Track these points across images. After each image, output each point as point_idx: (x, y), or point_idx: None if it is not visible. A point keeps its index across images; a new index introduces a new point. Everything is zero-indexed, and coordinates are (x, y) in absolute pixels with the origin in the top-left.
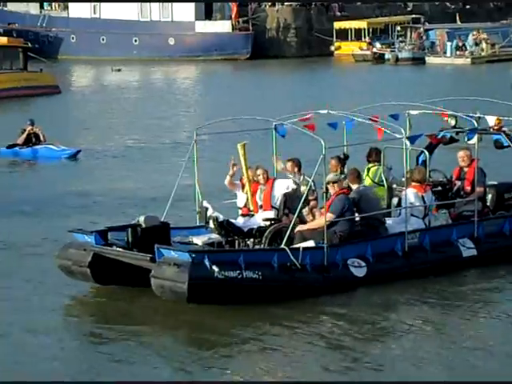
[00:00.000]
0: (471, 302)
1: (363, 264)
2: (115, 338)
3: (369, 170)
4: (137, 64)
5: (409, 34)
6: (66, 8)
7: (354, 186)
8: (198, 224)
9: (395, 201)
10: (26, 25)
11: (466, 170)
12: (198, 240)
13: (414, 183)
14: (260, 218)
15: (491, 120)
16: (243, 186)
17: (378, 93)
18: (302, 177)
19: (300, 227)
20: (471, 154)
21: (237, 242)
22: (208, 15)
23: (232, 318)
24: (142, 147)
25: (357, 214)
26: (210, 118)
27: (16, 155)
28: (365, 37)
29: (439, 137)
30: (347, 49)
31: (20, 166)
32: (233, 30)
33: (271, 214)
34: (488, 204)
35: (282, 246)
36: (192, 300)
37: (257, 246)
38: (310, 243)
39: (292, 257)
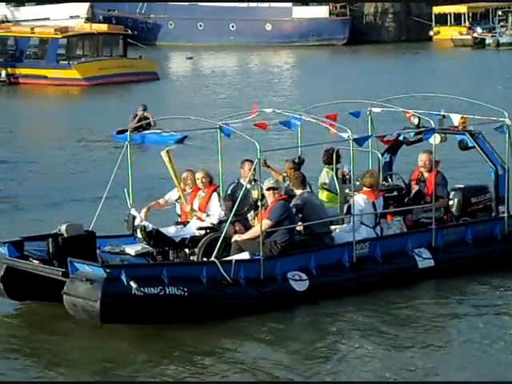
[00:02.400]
0: (424, 319)
1: (305, 277)
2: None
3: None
4: (234, 50)
5: (510, 18)
6: None
7: (298, 192)
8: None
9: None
10: (125, 11)
11: (426, 174)
12: (131, 250)
13: (365, 188)
14: (194, 227)
15: (456, 119)
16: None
17: (481, 78)
18: (252, 181)
19: (237, 237)
20: (433, 159)
21: (171, 253)
22: (305, 1)
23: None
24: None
25: (301, 223)
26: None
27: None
28: (464, 21)
29: (391, 138)
30: (446, 34)
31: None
32: (330, 15)
33: (206, 223)
34: (453, 210)
35: (212, 258)
36: (106, 320)
37: (193, 258)
38: (245, 255)
39: (222, 270)
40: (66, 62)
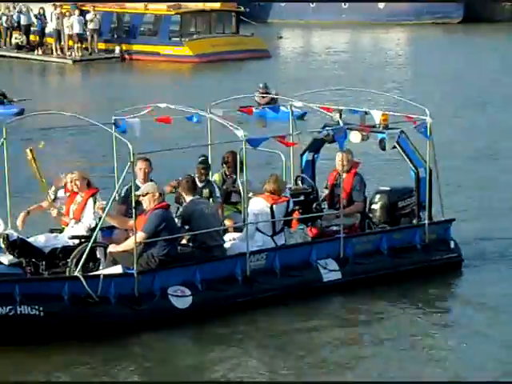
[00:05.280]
0: (319, 338)
1: (188, 293)
2: None
3: None
4: (345, 28)
5: None
6: None
7: (188, 199)
8: None
9: None
10: None
11: (343, 176)
12: (5, 259)
13: (266, 193)
14: (67, 236)
15: (377, 115)
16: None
17: None
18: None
19: (111, 248)
20: (352, 158)
21: (40, 265)
22: None
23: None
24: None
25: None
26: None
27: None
28: None
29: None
30: None
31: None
32: None
33: (81, 231)
34: (377, 215)
35: (76, 272)
36: None
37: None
38: (118, 269)
39: (87, 287)
40: (178, 39)
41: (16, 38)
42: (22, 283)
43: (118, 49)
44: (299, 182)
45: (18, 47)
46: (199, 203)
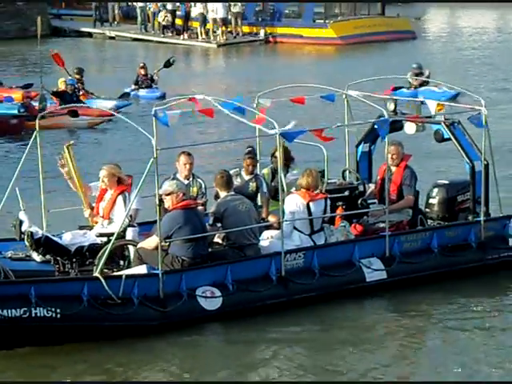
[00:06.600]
0: (363, 341)
1: (218, 294)
2: None
3: None
4: (493, 7)
5: None
6: None
7: (222, 194)
8: None
9: None
10: None
11: (393, 169)
12: (38, 256)
13: (302, 189)
14: (94, 234)
15: (432, 105)
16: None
17: None
18: (190, 177)
19: (141, 245)
20: (402, 150)
21: (66, 263)
22: None
23: None
24: None
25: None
26: None
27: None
28: None
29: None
30: None
31: None
32: None
33: (111, 228)
34: (435, 210)
35: (96, 272)
36: None
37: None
38: (142, 268)
39: (107, 288)
40: (322, 21)
41: (162, 18)
42: (39, 284)
43: (262, 32)
44: (352, 176)
45: (164, 27)
46: (233, 200)
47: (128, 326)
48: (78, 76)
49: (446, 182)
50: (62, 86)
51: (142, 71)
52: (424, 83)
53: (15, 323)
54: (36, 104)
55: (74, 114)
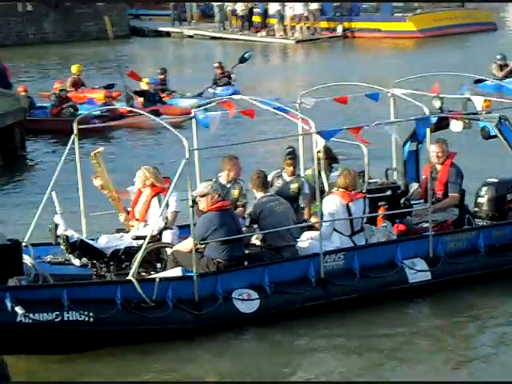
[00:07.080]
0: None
1: (255, 296)
2: None
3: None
4: None
5: None
6: None
7: (258, 196)
8: None
9: None
10: None
11: (438, 168)
12: (77, 260)
13: (341, 189)
14: (131, 237)
15: (478, 102)
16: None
17: None
18: (232, 180)
19: (176, 247)
20: (447, 148)
21: (102, 266)
22: None
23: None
24: None
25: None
26: None
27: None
28: None
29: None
30: None
31: None
32: None
33: (146, 231)
34: (484, 208)
35: (130, 275)
36: None
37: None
38: (177, 271)
39: (141, 291)
40: (400, 15)
41: (240, 8)
42: (72, 287)
43: (340, 27)
44: (397, 175)
45: (242, 18)
46: (270, 201)
47: (162, 330)
48: (162, 76)
49: (496, 180)
50: (145, 86)
51: (218, 70)
52: (510, 75)
53: (47, 327)
54: (117, 104)
55: (155, 113)
